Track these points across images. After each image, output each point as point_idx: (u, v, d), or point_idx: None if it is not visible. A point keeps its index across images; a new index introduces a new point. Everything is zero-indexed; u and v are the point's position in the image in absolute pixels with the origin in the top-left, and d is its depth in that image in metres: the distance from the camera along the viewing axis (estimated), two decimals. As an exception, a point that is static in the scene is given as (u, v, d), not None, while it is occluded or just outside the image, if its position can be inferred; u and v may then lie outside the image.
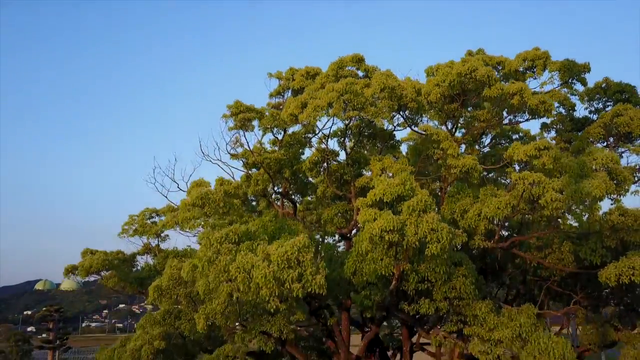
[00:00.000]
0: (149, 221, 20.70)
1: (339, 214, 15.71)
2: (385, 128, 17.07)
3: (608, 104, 17.12)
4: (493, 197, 11.87)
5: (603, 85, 16.91)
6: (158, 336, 16.32)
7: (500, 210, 11.31)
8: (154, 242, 21.16)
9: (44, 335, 55.08)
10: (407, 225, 9.42)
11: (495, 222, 11.71)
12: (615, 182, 11.13)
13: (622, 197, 11.57)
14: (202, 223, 11.27)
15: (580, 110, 18.54)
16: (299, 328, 17.78)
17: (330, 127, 14.12)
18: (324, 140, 14.72)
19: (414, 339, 20.57)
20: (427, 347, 21.94)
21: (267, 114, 15.12)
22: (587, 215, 10.05)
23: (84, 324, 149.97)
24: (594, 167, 11.28)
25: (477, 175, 12.35)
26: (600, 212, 11.02)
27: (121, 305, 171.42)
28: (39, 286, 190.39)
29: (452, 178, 13.32)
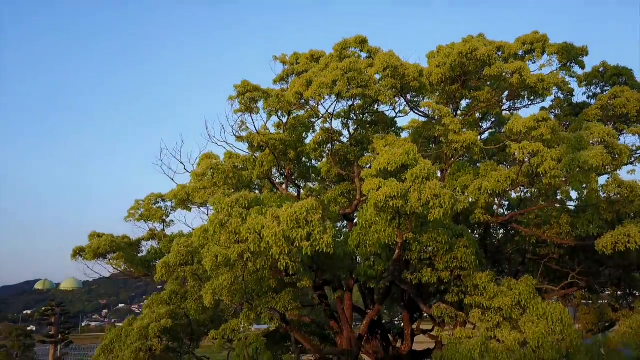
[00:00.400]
0: (154, 206, 21.05)
1: (343, 194, 16.07)
2: (388, 115, 17.48)
3: (606, 88, 17.46)
4: (493, 172, 12.25)
5: (600, 69, 17.28)
6: (165, 315, 16.68)
7: (500, 184, 11.68)
8: (159, 227, 21.50)
9: (46, 330, 55.46)
10: (411, 192, 9.76)
11: (495, 195, 12.06)
12: (611, 155, 11.50)
13: (618, 170, 11.92)
14: (212, 193, 11.58)
15: (579, 96, 18.89)
16: (302, 307, 18.11)
17: (334, 107, 14.48)
18: (328, 119, 15.06)
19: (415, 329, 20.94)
20: (428, 333, 22.39)
21: (272, 96, 15.45)
22: (584, 186, 10.37)
23: (83, 324, 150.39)
24: (591, 141, 11.64)
25: (477, 151, 12.71)
26: (598, 187, 11.37)
27: (121, 305, 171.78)
28: (38, 286, 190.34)
29: (453, 155, 13.67)
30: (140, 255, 20.04)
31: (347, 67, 12.84)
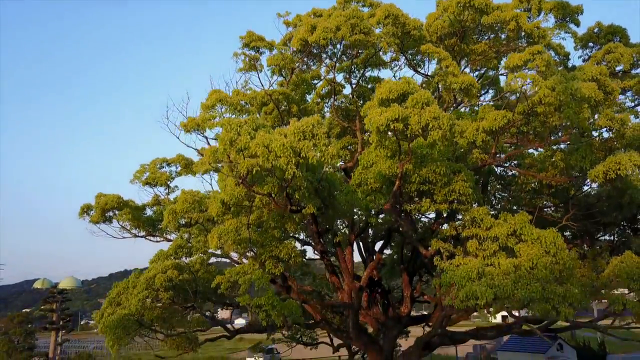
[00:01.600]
0: (159, 170, 21.52)
1: (345, 148, 16.56)
2: (388, 77, 17.97)
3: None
4: (490, 112, 12.72)
5: (595, 30, 17.79)
6: (170, 266, 17.11)
7: (497, 121, 12.15)
8: (163, 193, 21.98)
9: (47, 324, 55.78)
10: (411, 116, 10.24)
11: (492, 134, 12.51)
12: (603, 92, 11.99)
13: (609, 108, 12.39)
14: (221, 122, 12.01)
15: (575, 59, 19.43)
16: (305, 260, 18.54)
17: (337, 57, 14.93)
18: (331, 69, 15.55)
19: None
20: (426, 294, 22.83)
21: (276, 49, 15.96)
22: (578, 114, 10.80)
23: (82, 322, 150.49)
24: (584, 79, 12.13)
25: (475, 92, 13.18)
26: (590, 116, 11.80)
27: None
28: (37, 285, 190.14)
29: (451, 99, 14.16)
30: (145, 215, 20.51)
31: (350, 15, 13.35)
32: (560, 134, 13.16)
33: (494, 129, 12.22)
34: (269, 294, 14.50)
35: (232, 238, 15.09)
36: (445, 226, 13.83)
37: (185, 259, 18.22)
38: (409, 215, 13.11)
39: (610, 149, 12.24)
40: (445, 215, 14.60)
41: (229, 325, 20.18)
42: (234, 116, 12.22)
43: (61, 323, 54.26)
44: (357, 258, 22.03)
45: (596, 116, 12.06)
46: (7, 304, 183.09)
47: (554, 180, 13.24)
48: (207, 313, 19.94)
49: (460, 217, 13.33)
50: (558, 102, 10.63)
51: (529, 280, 10.63)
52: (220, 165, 12.30)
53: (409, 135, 10.43)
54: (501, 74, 18.53)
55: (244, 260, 17.29)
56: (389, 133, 10.55)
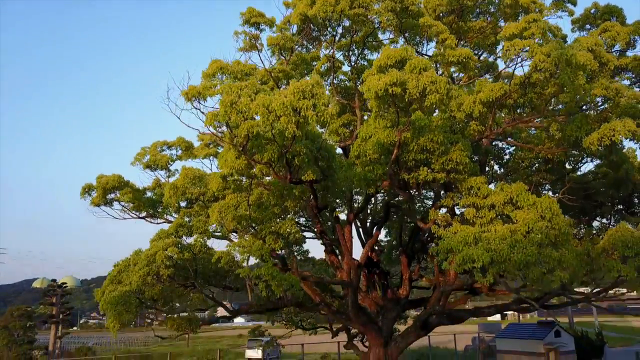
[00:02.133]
0: (160, 153, 21.70)
1: (344, 125, 16.74)
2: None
3: (598, 32, 18.15)
4: (487, 84, 12.90)
5: (592, 10, 17.99)
6: (171, 243, 17.28)
7: (493, 92, 12.34)
8: (163, 176, 22.15)
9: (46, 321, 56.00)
10: (409, 80, 10.42)
11: (489, 105, 12.68)
12: (599, 62, 12.19)
13: (604, 79, 12.57)
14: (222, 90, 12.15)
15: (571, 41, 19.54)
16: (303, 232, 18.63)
17: (337, 31, 15.11)
18: (330, 45, 15.72)
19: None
20: (425, 276, 23.02)
21: (275, 31, 16.15)
22: (572, 81, 10.94)
23: (82, 321, 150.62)
24: (580, 49, 12.30)
25: (472, 65, 13.36)
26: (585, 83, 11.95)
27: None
28: (36, 284, 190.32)
29: (449, 74, 14.34)
30: (146, 197, 20.67)
31: (350, -12, 13.55)
32: (557, 107, 13.33)
33: (491, 100, 12.39)
34: (269, 264, 14.66)
35: (232, 213, 15.28)
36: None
37: (186, 238, 18.38)
38: (408, 188, 13.25)
39: (605, 119, 12.39)
40: (443, 192, 14.77)
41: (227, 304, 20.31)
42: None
43: (61, 317, 54.42)
44: (356, 247, 22.23)
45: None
46: (7, 302, 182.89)
47: (550, 152, 13.42)
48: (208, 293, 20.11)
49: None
50: (554, 68, 10.81)
51: (525, 244, 10.80)
52: (220, 132, 12.47)
53: (407, 100, 10.60)
54: (498, 57, 18.75)
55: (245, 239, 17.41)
56: (387, 100, 10.70)
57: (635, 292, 15.58)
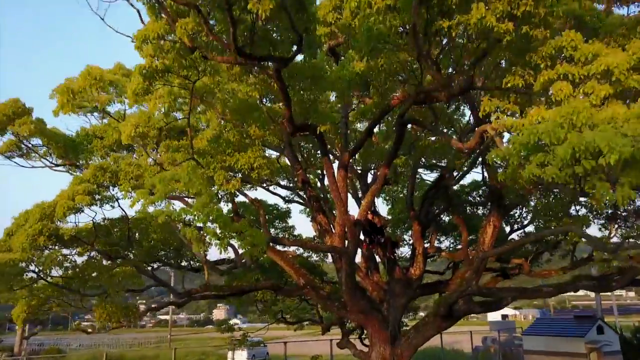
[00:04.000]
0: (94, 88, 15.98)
1: (334, 10, 11.17)
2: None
3: None
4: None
5: None
6: (81, 191, 11.86)
7: None
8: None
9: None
10: None
11: None
12: None
13: None
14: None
15: None
16: (276, 168, 12.95)
17: None
18: None
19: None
20: (444, 252, 17.38)
21: None
22: None
23: (76, 322, 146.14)
24: None
25: None
26: None
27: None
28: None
29: None
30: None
31: None
32: None
33: None
34: (219, 211, 8.84)
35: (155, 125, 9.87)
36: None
37: (112, 188, 12.90)
38: (434, 59, 7.75)
39: None
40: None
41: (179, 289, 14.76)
42: None
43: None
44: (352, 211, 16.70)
45: None
46: None
47: None
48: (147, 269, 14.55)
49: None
50: None
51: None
52: None
53: None
54: None
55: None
56: None
57: None
